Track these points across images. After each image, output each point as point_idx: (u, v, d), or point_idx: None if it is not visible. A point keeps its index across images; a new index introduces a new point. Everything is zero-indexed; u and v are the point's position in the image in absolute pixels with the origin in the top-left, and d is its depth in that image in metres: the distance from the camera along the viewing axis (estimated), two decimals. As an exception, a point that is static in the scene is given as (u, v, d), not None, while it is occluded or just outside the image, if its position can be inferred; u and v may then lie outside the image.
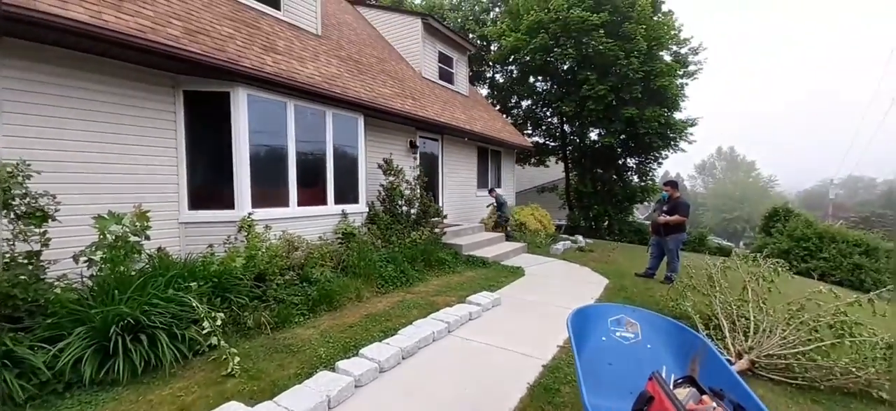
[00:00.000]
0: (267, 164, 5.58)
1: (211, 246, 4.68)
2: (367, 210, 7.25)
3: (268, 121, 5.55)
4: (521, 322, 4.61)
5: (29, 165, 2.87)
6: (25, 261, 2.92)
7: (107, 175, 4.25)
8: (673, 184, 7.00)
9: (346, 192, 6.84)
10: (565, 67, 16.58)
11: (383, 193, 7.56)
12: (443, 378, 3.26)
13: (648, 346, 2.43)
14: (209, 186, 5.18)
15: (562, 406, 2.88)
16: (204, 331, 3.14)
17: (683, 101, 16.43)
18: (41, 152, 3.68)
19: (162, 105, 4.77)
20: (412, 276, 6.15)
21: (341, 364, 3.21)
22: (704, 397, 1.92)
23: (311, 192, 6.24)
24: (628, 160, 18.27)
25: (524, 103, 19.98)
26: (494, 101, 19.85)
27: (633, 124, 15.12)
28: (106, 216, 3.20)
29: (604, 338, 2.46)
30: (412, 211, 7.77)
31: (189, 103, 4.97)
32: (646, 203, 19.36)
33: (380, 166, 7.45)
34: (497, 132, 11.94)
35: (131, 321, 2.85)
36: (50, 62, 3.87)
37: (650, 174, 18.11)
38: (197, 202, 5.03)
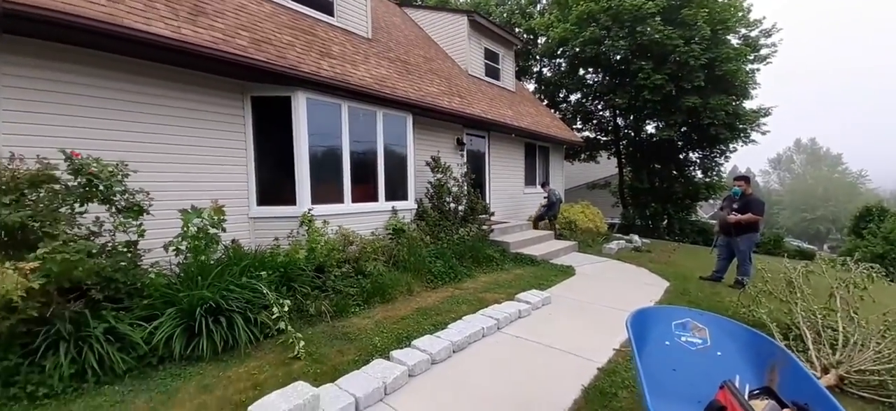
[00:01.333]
0: (324, 163, 5.90)
1: (276, 239, 5.06)
2: (415, 206, 7.42)
3: (324, 122, 5.87)
4: (573, 322, 4.49)
5: (127, 165, 3.28)
6: (125, 250, 3.34)
7: (189, 174, 4.73)
8: (745, 178, 6.43)
9: (396, 189, 7.04)
10: (618, 58, 15.74)
11: (431, 190, 7.69)
12: (493, 373, 3.27)
13: (719, 353, 2.27)
14: (274, 184, 5.58)
15: (619, 410, 2.78)
16: (273, 316, 3.41)
17: (754, 88, 14.98)
18: (137, 154, 4.19)
19: (233, 111, 5.21)
20: (460, 272, 6.20)
21: (395, 353, 3.34)
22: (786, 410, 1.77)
23: (364, 189, 6.51)
24: (690, 154, 17.00)
25: (573, 97, 19.30)
26: (542, 96, 19.37)
27: (696, 115, 14.04)
28: (190, 210, 3.57)
29: (667, 342, 2.34)
30: (460, 208, 7.83)
31: (256, 108, 5.39)
32: (711, 201, 17.89)
33: (428, 164, 7.59)
34: (545, 128, 11.67)
35: (213, 304, 3.19)
36: (143, 74, 4.38)
37: (716, 169, 16.67)
38: (264, 199, 5.45)
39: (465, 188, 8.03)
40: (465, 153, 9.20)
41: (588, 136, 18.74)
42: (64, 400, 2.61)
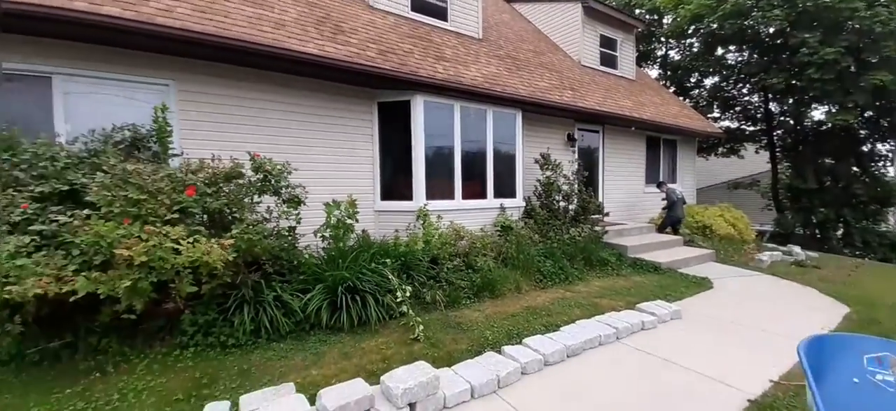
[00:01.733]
0: (437, 162, 6.26)
1: (396, 230, 5.57)
2: (523, 204, 7.34)
3: (438, 123, 6.22)
4: (713, 342, 3.91)
5: (290, 164, 3.99)
6: (287, 234, 4.08)
7: (328, 172, 5.52)
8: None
9: (504, 187, 7.07)
10: (770, 31, 13.01)
11: (540, 188, 7.51)
12: (614, 386, 3.06)
13: (937, 398, 1.74)
14: (394, 181, 6.15)
15: (778, 450, 2.34)
16: (397, 300, 3.77)
17: None
18: (289, 155, 5.03)
19: (363, 116, 5.90)
20: (571, 274, 5.94)
21: (507, 349, 3.38)
22: None
23: (473, 187, 6.70)
24: (878, 146, 13.15)
25: (709, 81, 16.62)
26: (668, 83, 17.18)
27: (885, 95, 10.78)
28: (331, 203, 4.18)
29: (856, 380, 1.88)
30: (570, 206, 7.48)
31: (381, 113, 6.01)
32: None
33: (537, 161, 7.42)
34: (672, 118, 10.34)
35: (350, 284, 3.70)
36: (294, 88, 5.26)
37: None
38: (386, 194, 6.05)
39: (577, 186, 7.64)
40: (576, 149, 8.74)
41: (729, 126, 15.99)
42: (245, 350, 3.32)
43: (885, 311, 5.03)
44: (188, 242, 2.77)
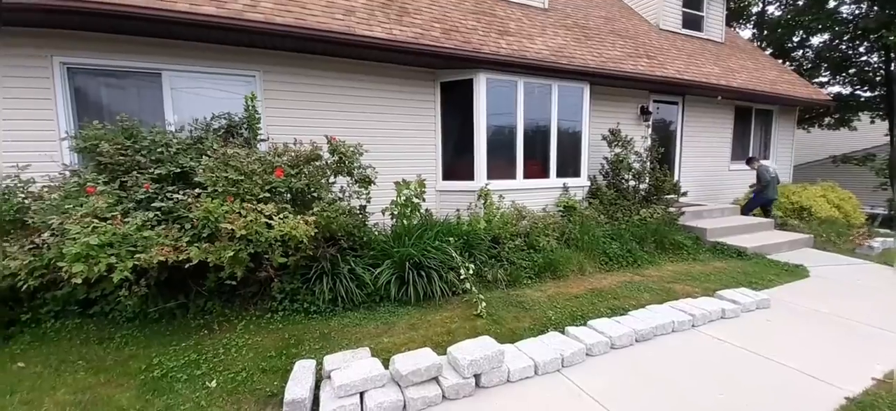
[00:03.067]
0: (498, 141, 6.19)
1: (458, 210, 5.67)
2: (588, 184, 7.03)
3: (500, 101, 6.11)
4: (805, 335, 3.54)
5: (361, 145, 4.22)
6: (358, 212, 4.36)
7: (393, 152, 5.73)
8: None
9: (567, 166, 6.82)
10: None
11: (607, 167, 7.13)
12: (688, 371, 2.92)
13: None
14: (456, 161, 6.21)
15: (885, 459, 2.10)
16: (460, 277, 3.90)
17: None
18: (357, 137, 5.30)
19: (426, 97, 5.99)
20: (640, 257, 5.63)
21: (571, 330, 3.35)
22: None
23: (535, 166, 6.55)
24: None
25: (816, 39, 14.25)
26: (763, 44, 15.05)
27: None
28: (401, 182, 4.37)
29: None
30: (641, 186, 7.03)
31: (443, 93, 6.05)
32: None
33: (604, 138, 7.02)
34: (768, 85, 9.09)
35: (417, 260, 3.89)
36: (361, 72, 5.48)
37: None
38: (448, 174, 6.15)
39: (649, 164, 7.12)
40: (650, 123, 8.09)
41: (839, 93, 13.68)
42: (325, 316, 3.67)
43: None
44: (279, 218, 3.09)
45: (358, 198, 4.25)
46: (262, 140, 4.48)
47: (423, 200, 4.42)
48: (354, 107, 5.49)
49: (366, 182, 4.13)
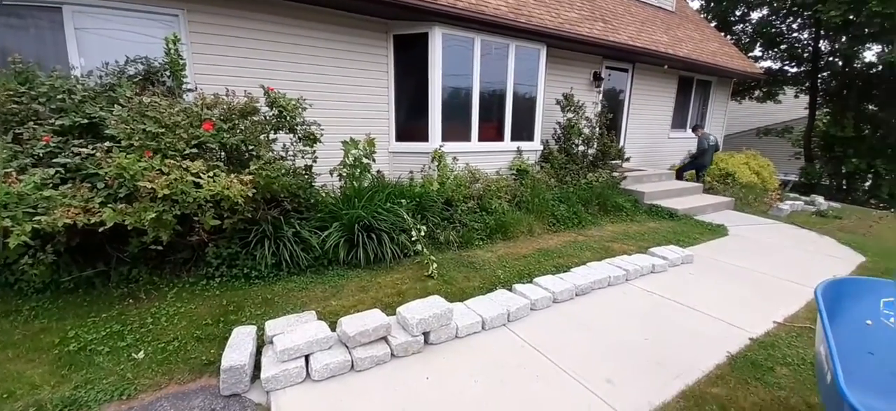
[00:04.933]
0: (454, 102, 6.05)
1: (411, 172, 5.56)
2: (541, 148, 7.16)
3: (457, 60, 5.92)
4: (722, 287, 3.94)
5: (305, 100, 3.92)
6: (303, 172, 4.11)
7: (343, 110, 5.41)
8: None
9: (522, 129, 6.87)
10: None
11: (559, 131, 7.28)
12: (620, 323, 3.15)
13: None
14: (410, 121, 6.01)
15: (775, 386, 2.42)
16: (411, 239, 3.86)
17: None
18: (305, 91, 4.93)
19: (378, 51, 5.65)
20: (585, 219, 5.92)
21: (518, 287, 3.47)
22: None
23: (490, 129, 6.52)
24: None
25: (756, 14, 15.09)
26: (709, 16, 15.75)
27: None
28: (349, 141, 4.15)
29: (869, 322, 1.89)
30: (589, 151, 7.29)
31: (397, 48, 5.73)
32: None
33: (558, 102, 7.12)
34: (710, 56, 9.58)
35: (366, 223, 3.78)
36: (309, 19, 5.02)
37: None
38: (401, 135, 5.96)
39: (598, 130, 7.36)
40: (601, 90, 8.30)
41: (770, 67, 14.80)
42: (268, 282, 3.49)
43: (906, 264, 4.94)
44: (208, 177, 2.82)
45: (303, 157, 3.99)
46: (189, 90, 4.02)
47: (374, 161, 4.26)
48: (298, 57, 5.05)
49: (310, 139, 3.87)
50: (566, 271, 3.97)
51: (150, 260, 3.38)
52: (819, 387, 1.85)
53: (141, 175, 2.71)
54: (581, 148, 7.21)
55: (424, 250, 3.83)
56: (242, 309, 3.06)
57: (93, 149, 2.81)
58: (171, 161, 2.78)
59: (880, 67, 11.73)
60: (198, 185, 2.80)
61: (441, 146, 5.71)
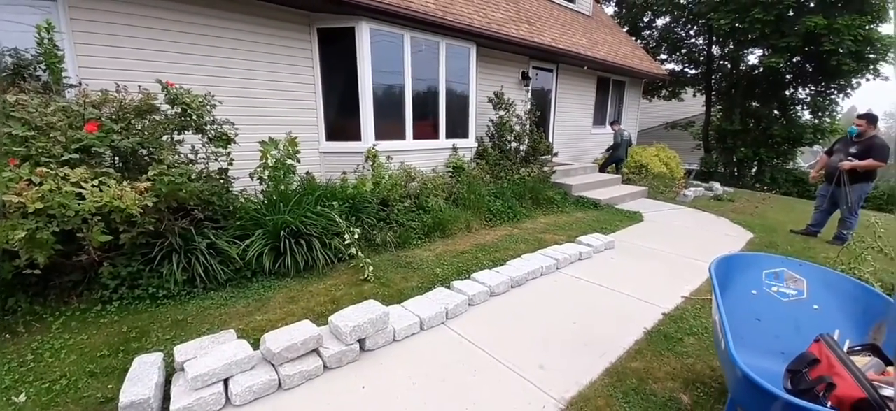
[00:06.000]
0: (387, 99, 5.93)
1: (344, 172, 5.33)
2: (476, 145, 7.31)
3: (387, 56, 5.80)
4: (638, 268, 4.30)
5: (214, 96, 3.55)
6: (217, 177, 3.73)
7: (265, 108, 5.04)
8: (870, 118, 5.35)
9: (457, 127, 6.94)
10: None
11: (493, 129, 7.48)
12: (552, 309, 3.30)
13: (815, 307, 2.04)
14: (341, 120, 5.77)
15: (684, 355, 2.68)
16: (345, 243, 3.69)
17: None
18: (219, 88, 4.50)
19: (302, 45, 5.33)
20: (519, 213, 6.14)
21: (456, 284, 3.48)
22: (891, 369, 1.57)
23: (425, 127, 6.50)
24: (799, 90, 14.41)
25: (661, 21, 16.88)
26: (621, 21, 17.24)
27: (815, 40, 11.66)
28: (267, 141, 3.84)
29: (754, 292, 2.15)
30: (521, 147, 7.58)
31: (322, 42, 5.46)
32: (816, 147, 15.31)
33: (490, 100, 7.31)
34: (623, 58, 10.50)
35: (294, 228, 3.52)
36: (218, 7, 4.58)
37: (831, 109, 13.97)
38: (332, 134, 5.70)
39: (528, 126, 7.69)
40: (529, 88, 8.69)
41: (673, 69, 16.61)
42: (179, 301, 3.12)
43: (781, 236, 5.82)
44: (93, 186, 2.43)
45: (216, 160, 3.62)
46: (72, 85, 3.45)
47: (298, 162, 3.99)
48: (210, 50, 4.59)
49: (223, 140, 3.52)
50: (503, 264, 4.06)
51: (30, 286, 2.85)
52: (717, 352, 2.07)
53: (6, 187, 2.25)
54: (513, 144, 7.48)
55: (359, 253, 3.68)
56: (148, 335, 2.69)
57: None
58: (44, 169, 2.35)
59: (761, 69, 13.71)
60: (81, 197, 2.40)
61: (375, 145, 5.56)
